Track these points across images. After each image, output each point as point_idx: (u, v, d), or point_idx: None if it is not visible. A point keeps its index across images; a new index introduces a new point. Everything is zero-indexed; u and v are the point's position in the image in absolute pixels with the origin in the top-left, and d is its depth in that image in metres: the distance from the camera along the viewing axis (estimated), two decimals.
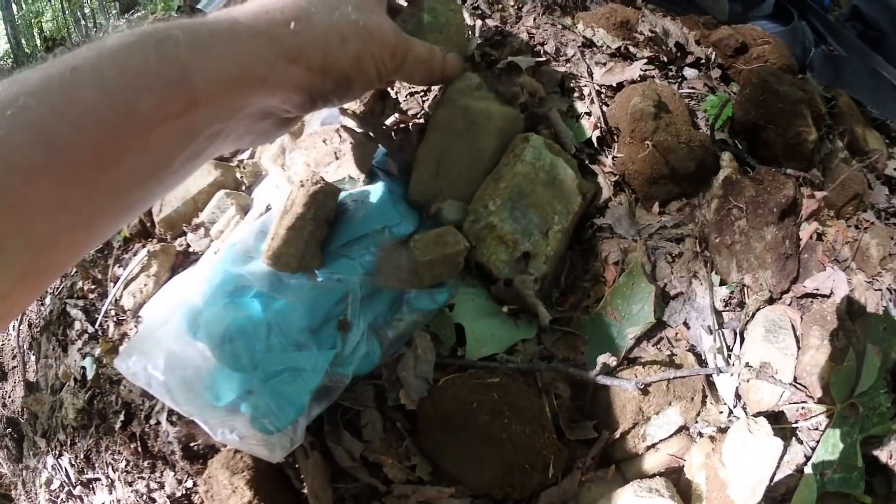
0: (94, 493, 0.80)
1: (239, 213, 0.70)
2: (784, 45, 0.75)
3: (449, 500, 0.51)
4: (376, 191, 0.60)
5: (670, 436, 0.56)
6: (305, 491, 0.55)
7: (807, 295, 0.61)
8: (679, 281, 0.61)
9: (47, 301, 0.94)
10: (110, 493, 0.77)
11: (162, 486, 0.70)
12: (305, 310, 0.53)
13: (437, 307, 0.56)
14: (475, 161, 0.60)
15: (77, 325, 0.83)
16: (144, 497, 0.71)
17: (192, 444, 0.64)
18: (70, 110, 0.27)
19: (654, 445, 0.56)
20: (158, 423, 0.68)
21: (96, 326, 0.80)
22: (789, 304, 0.61)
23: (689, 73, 0.69)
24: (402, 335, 0.55)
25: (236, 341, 0.54)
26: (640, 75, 0.67)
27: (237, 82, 0.33)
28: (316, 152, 0.64)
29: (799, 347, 0.56)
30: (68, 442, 0.82)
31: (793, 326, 0.58)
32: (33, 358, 0.95)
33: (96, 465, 0.79)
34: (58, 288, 0.92)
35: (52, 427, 0.85)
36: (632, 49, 0.69)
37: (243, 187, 0.76)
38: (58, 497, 0.85)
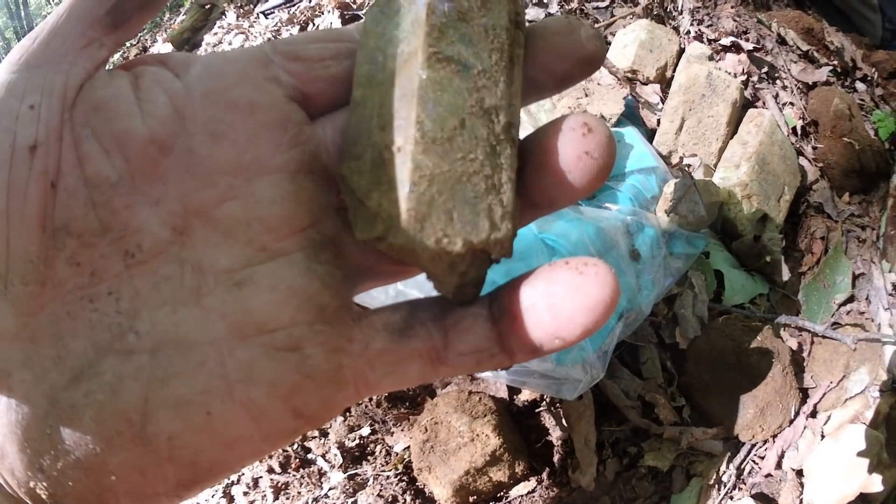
0: None
1: None
2: None
3: (711, 441, 0.53)
4: (630, 134, 0.61)
5: (856, 395, 0.63)
6: (558, 435, 0.54)
7: None
8: (862, 262, 0.68)
9: None
10: None
11: (325, 434, 0.63)
12: (593, 234, 0.53)
13: (697, 252, 0.58)
14: (715, 123, 0.64)
15: None
16: (296, 445, 0.63)
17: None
18: None
19: (850, 398, 0.62)
20: None
21: None
22: None
23: (859, 85, 0.78)
24: (671, 275, 0.56)
25: (516, 261, 0.52)
26: (825, 79, 0.74)
27: None
28: None
29: None
30: None
31: None
32: None
33: None
34: None
35: None
36: (815, 55, 0.76)
37: None
38: None
